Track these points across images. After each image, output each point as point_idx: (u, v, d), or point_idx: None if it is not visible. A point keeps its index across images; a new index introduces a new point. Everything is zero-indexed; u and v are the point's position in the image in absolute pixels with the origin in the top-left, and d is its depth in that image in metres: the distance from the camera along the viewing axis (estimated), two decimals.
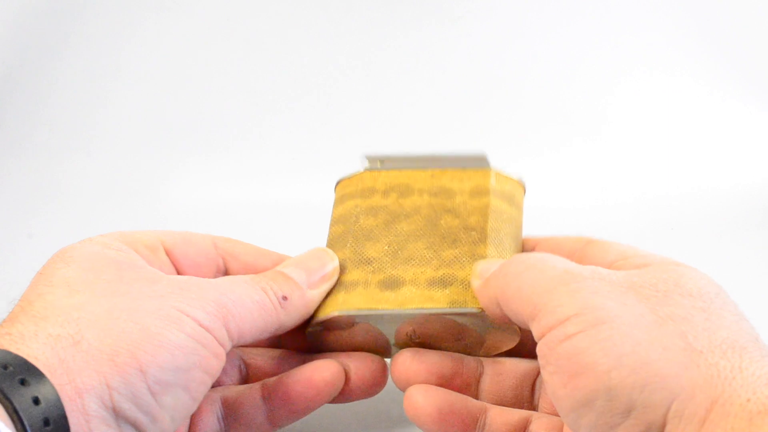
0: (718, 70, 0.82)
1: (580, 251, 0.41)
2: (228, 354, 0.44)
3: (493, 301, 0.38)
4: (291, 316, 0.40)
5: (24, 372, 0.31)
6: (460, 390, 0.42)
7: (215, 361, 0.36)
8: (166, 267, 0.41)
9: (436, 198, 0.45)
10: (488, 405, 0.41)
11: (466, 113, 0.81)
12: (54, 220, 0.75)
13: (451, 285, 0.41)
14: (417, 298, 0.41)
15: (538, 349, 0.34)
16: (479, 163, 0.46)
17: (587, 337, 0.32)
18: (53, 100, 0.80)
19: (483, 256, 0.42)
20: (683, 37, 0.82)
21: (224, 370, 0.43)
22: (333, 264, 0.42)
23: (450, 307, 0.41)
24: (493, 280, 0.39)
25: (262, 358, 0.45)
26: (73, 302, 0.34)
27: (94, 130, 0.80)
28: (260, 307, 0.38)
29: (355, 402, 0.44)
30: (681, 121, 0.81)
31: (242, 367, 0.45)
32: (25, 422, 0.30)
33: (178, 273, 0.42)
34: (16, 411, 0.30)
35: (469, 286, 0.41)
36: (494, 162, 0.46)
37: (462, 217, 0.44)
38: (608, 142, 0.80)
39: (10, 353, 0.32)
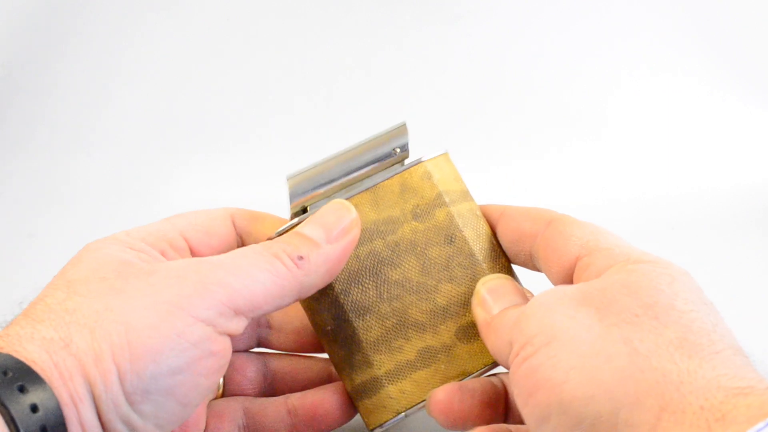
0: (718, 71, 0.82)
1: (541, 236, 0.40)
2: (251, 359, 0.44)
3: (494, 350, 0.38)
4: (312, 275, 0.38)
5: (23, 377, 0.30)
6: (501, 410, 0.41)
7: (213, 361, 0.35)
8: None
9: (395, 234, 0.42)
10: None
11: (467, 113, 0.81)
12: (54, 220, 0.75)
13: (469, 340, 0.42)
14: (453, 369, 0.41)
15: (510, 378, 0.35)
16: (401, 149, 0.43)
17: (540, 356, 0.32)
18: (54, 101, 0.80)
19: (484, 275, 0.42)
20: (683, 38, 0.82)
21: (247, 377, 0.44)
22: (350, 216, 0.39)
23: (482, 368, 0.42)
24: (488, 332, 0.38)
25: (285, 363, 0.45)
26: (68, 306, 0.34)
27: (94, 131, 0.81)
28: (273, 273, 0.36)
29: None
30: (681, 121, 0.81)
31: (267, 373, 0.44)
32: (21, 431, 0.29)
33: None
34: (13, 420, 0.30)
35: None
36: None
37: (436, 244, 0.42)
38: (608, 142, 0.80)
39: (11, 357, 0.31)
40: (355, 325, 0.41)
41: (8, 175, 0.79)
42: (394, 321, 0.41)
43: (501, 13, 0.81)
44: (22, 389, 0.30)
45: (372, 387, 0.41)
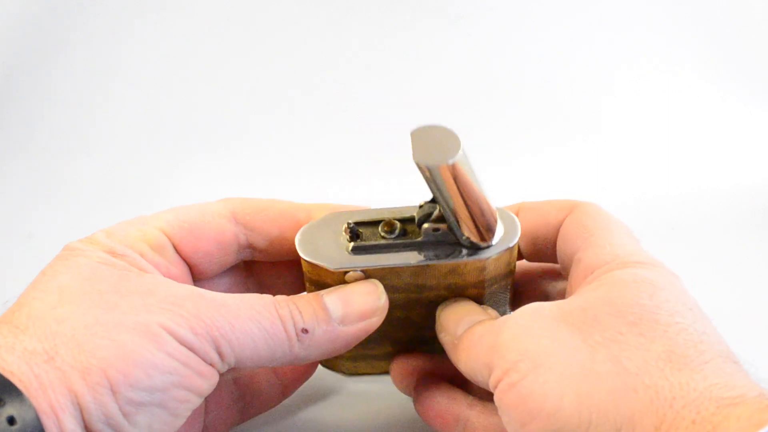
0: (718, 70, 0.82)
1: (564, 222, 0.40)
2: None
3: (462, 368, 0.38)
4: (310, 350, 0.36)
5: (0, 390, 0.30)
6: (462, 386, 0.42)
7: (200, 380, 0.34)
8: (174, 265, 0.39)
9: (419, 294, 0.40)
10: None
11: (466, 112, 0.81)
12: (54, 220, 0.75)
13: None
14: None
15: (495, 403, 0.34)
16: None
17: (528, 383, 0.32)
18: (53, 101, 0.80)
19: None
20: (683, 37, 0.82)
21: None
22: (377, 303, 0.38)
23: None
24: (457, 353, 0.38)
25: None
26: (58, 314, 0.33)
27: (94, 131, 0.80)
28: (268, 336, 0.35)
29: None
30: (681, 121, 0.81)
31: None
32: None
33: (190, 267, 0.40)
34: None
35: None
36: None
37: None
38: (608, 141, 0.80)
39: None
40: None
41: (8, 175, 0.79)
42: (378, 335, 0.40)
43: (501, 13, 0.81)
44: None
45: (332, 360, 0.43)
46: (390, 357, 0.43)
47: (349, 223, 0.39)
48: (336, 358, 0.42)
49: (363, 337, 0.38)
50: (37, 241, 0.72)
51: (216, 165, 0.80)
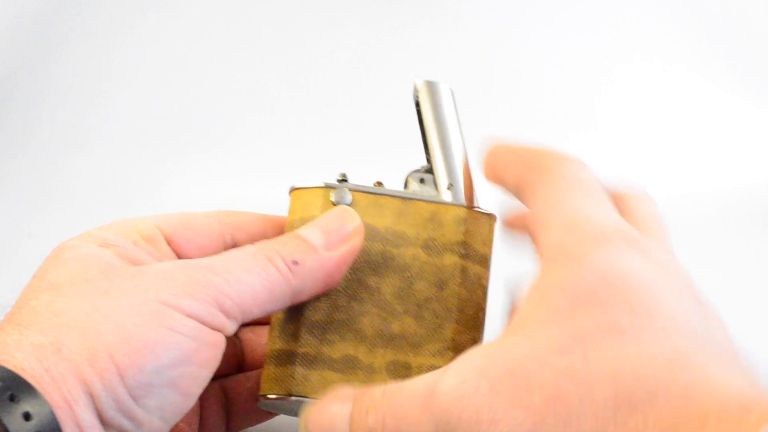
0: (719, 71, 0.82)
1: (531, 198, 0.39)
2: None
3: None
4: (306, 281, 0.37)
5: (13, 386, 0.30)
6: None
7: (210, 351, 0.34)
8: (166, 256, 0.40)
9: (397, 249, 0.40)
10: None
11: (462, 111, 0.81)
12: (54, 220, 0.75)
13: (394, 378, 0.40)
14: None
15: None
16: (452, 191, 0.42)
17: None
18: (53, 100, 0.80)
19: (450, 339, 0.40)
20: (684, 37, 0.82)
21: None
22: (354, 223, 0.39)
23: None
24: None
25: (259, 335, 0.45)
26: (55, 308, 0.33)
27: (93, 130, 0.81)
28: (264, 278, 0.36)
29: None
30: (681, 121, 0.81)
31: (237, 343, 0.44)
32: None
33: (180, 259, 0.40)
34: (7, 430, 0.30)
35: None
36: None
37: (426, 281, 0.40)
38: (607, 142, 0.80)
39: (0, 368, 0.31)
40: (306, 299, 0.40)
41: (7, 175, 0.79)
42: (343, 317, 0.40)
43: (498, 13, 0.81)
44: (13, 398, 0.30)
45: (284, 358, 0.40)
46: (348, 366, 0.40)
47: (341, 173, 0.42)
48: (287, 363, 0.39)
49: (351, 261, 0.39)
50: (37, 241, 0.73)
51: (216, 164, 0.80)
